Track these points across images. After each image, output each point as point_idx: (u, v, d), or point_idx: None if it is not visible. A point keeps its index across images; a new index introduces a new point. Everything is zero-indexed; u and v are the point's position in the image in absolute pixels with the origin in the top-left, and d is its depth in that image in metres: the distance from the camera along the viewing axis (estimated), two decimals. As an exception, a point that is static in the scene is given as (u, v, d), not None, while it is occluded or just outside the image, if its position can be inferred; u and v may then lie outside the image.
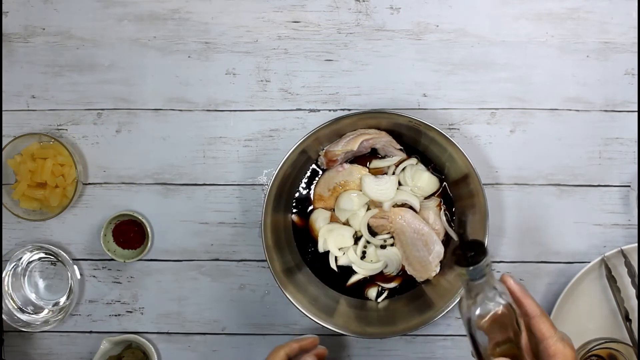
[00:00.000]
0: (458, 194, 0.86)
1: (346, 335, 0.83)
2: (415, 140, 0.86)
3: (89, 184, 0.92)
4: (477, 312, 0.56)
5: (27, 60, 0.92)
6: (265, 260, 0.82)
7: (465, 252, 0.56)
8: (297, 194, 0.89)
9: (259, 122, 0.91)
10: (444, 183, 0.87)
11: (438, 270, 0.86)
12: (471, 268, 0.55)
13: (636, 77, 0.89)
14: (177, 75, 0.91)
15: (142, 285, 0.92)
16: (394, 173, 0.87)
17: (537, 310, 0.61)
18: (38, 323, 0.90)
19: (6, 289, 0.90)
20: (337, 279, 0.89)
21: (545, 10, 0.90)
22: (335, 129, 0.84)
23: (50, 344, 0.92)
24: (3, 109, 0.92)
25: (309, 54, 0.91)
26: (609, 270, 0.86)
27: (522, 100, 0.90)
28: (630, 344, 0.85)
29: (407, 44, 0.90)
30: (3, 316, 0.88)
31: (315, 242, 0.88)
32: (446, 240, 0.87)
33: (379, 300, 0.88)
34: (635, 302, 0.86)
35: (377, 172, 0.87)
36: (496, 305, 0.56)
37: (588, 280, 0.87)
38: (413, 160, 0.87)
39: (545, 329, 0.61)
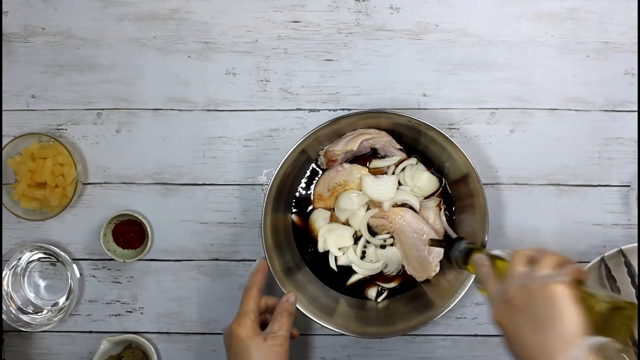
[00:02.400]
0: (458, 194, 0.86)
1: (346, 335, 0.83)
2: (415, 140, 0.86)
3: (89, 183, 0.92)
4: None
5: (27, 60, 0.92)
6: (265, 260, 0.82)
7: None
8: (297, 194, 0.89)
9: (258, 122, 0.91)
10: (444, 183, 0.87)
11: (438, 270, 0.86)
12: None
13: (636, 77, 0.89)
14: (177, 75, 0.91)
15: (142, 285, 0.92)
16: (393, 173, 0.87)
17: None
18: (38, 323, 0.90)
19: (6, 289, 0.90)
20: (337, 278, 0.89)
21: (545, 10, 0.90)
22: (335, 129, 0.84)
23: (50, 344, 0.92)
24: (3, 109, 0.92)
25: (308, 53, 0.91)
26: (608, 270, 0.86)
27: (522, 100, 0.90)
28: (631, 344, 0.85)
29: (407, 43, 0.90)
30: (3, 316, 0.88)
31: (315, 242, 0.88)
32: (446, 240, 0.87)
33: (379, 300, 0.88)
34: (635, 302, 0.86)
35: (377, 172, 0.87)
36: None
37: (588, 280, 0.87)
38: (413, 160, 0.87)
39: None
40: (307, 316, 0.82)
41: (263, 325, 0.76)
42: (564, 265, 0.63)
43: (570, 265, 0.63)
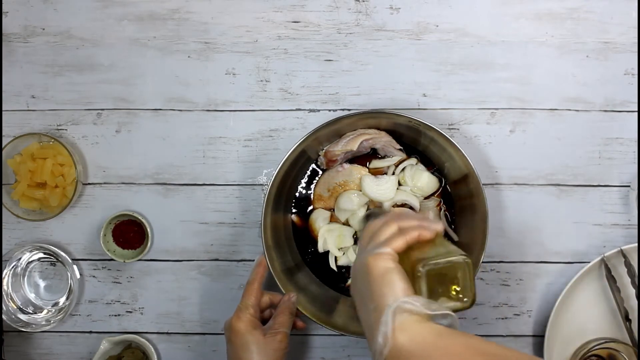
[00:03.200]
0: (458, 194, 0.86)
1: (346, 335, 0.83)
2: (415, 140, 0.86)
3: (89, 184, 0.92)
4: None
5: (27, 60, 0.92)
6: (264, 257, 0.82)
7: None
8: (297, 194, 0.89)
9: (258, 122, 0.91)
10: (444, 183, 0.87)
11: (438, 270, 0.86)
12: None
13: (636, 77, 0.89)
14: (177, 75, 0.91)
15: (142, 285, 0.92)
16: (393, 173, 0.87)
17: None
18: (38, 323, 0.90)
19: (6, 289, 0.90)
20: (337, 279, 0.89)
21: (545, 10, 0.90)
22: (335, 129, 0.84)
23: (50, 344, 0.92)
24: (3, 109, 0.92)
25: (308, 54, 0.91)
26: (608, 270, 0.86)
27: (522, 100, 0.90)
28: (630, 344, 0.85)
29: (407, 44, 0.90)
30: (3, 316, 0.88)
31: (315, 242, 0.88)
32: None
33: (379, 300, 0.88)
34: (635, 302, 0.86)
35: (376, 172, 0.87)
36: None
37: (588, 280, 0.87)
38: (413, 160, 0.87)
39: None
40: (307, 316, 0.82)
41: (267, 321, 0.78)
42: (399, 233, 0.62)
43: (405, 232, 0.61)
